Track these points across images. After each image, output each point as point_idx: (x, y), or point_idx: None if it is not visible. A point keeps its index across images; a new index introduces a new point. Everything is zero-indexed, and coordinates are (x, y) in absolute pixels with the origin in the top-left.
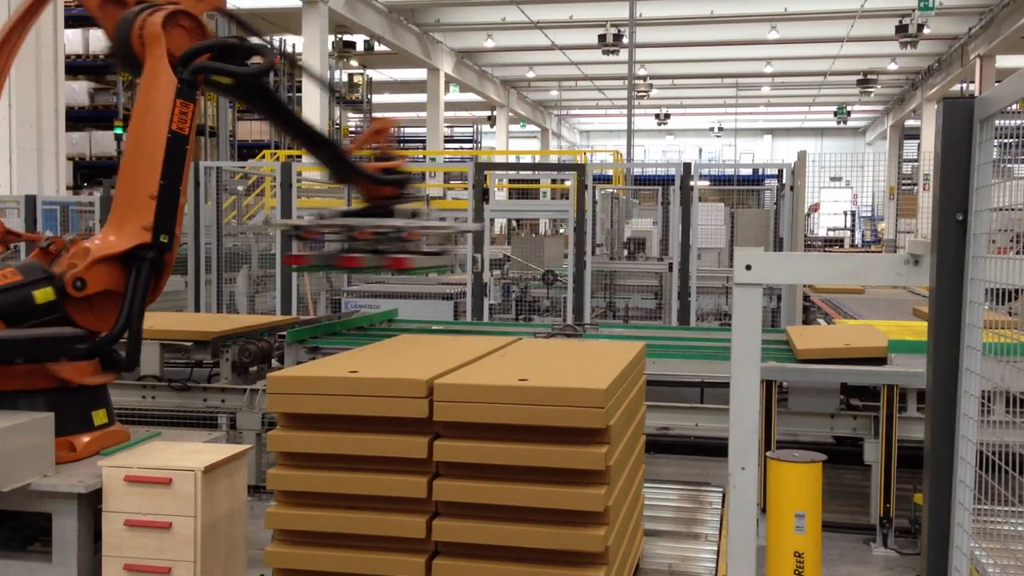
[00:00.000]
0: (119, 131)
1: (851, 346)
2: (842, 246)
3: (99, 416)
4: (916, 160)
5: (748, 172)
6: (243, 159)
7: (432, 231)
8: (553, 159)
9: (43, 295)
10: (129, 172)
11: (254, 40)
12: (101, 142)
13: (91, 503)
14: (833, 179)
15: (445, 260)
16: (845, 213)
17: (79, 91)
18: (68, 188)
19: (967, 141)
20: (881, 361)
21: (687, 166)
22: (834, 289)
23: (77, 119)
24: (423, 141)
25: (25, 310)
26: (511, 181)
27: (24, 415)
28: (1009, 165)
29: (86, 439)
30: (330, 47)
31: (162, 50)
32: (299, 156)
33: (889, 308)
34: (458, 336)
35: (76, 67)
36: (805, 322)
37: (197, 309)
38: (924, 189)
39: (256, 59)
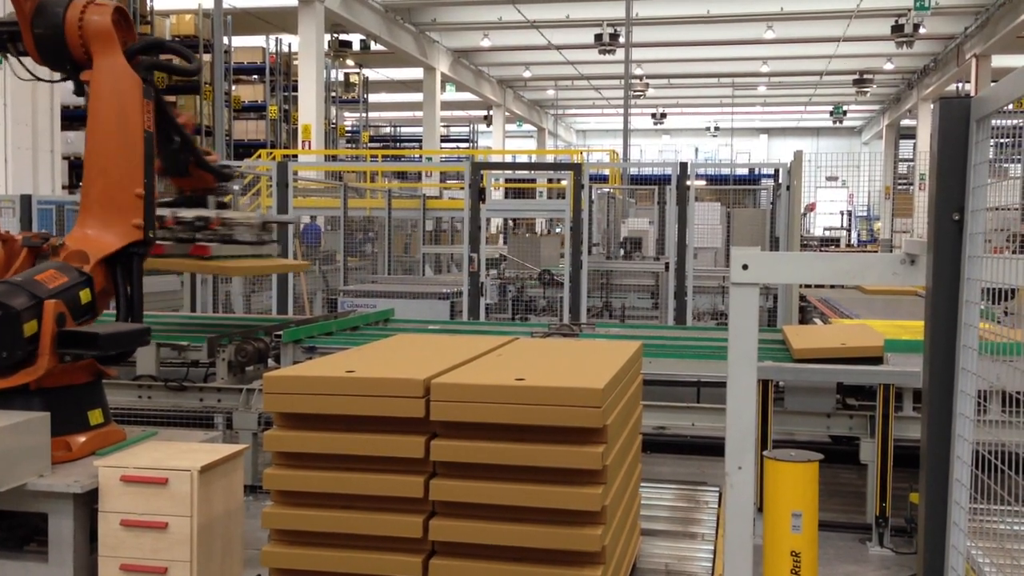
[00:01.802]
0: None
1: (847, 346)
2: (838, 246)
3: (95, 416)
4: (912, 160)
5: (744, 172)
6: (239, 158)
7: (239, 221)
8: (549, 159)
9: (86, 295)
10: (110, 171)
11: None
12: None
13: (87, 503)
14: (829, 179)
15: (260, 250)
16: (842, 213)
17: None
18: (64, 187)
19: (963, 141)
20: (877, 361)
21: (683, 166)
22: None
23: (72, 118)
24: (419, 140)
25: (77, 310)
26: (507, 180)
27: (20, 415)
28: (1005, 165)
29: (82, 439)
30: (326, 46)
31: (116, 48)
32: (295, 155)
33: (886, 307)
34: (454, 336)
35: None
36: (802, 321)
37: (193, 309)
38: (920, 189)
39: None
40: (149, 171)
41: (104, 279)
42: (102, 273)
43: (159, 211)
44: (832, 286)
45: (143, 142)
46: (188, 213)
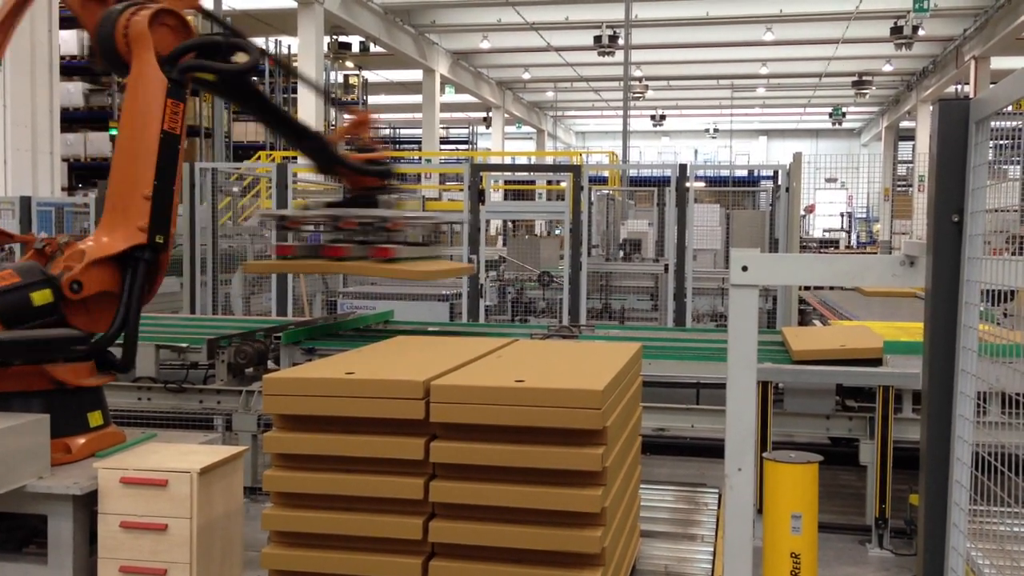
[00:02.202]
0: (114, 132)
1: (847, 347)
2: (837, 248)
3: (94, 418)
4: (911, 162)
5: (744, 173)
6: (238, 160)
7: (416, 221)
8: (549, 160)
9: (41, 297)
10: (122, 173)
11: (237, 38)
12: (96, 143)
13: (87, 505)
14: (828, 180)
15: (431, 251)
16: (842, 215)
17: (74, 92)
18: (63, 189)
19: (963, 142)
20: (877, 362)
21: (683, 167)
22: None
23: (72, 120)
24: (419, 142)
25: (23, 312)
26: (507, 182)
27: (20, 417)
28: (1004, 167)
29: (81, 441)
30: (325, 48)
31: (149, 50)
32: (294, 157)
33: (885, 309)
34: (454, 337)
35: (71, 68)
36: (801, 323)
37: (192, 311)
38: (919, 191)
39: (240, 56)
40: (166, 174)
41: (102, 281)
42: (99, 275)
43: (331, 211)
44: (831, 288)
45: (157, 143)
46: (365, 213)
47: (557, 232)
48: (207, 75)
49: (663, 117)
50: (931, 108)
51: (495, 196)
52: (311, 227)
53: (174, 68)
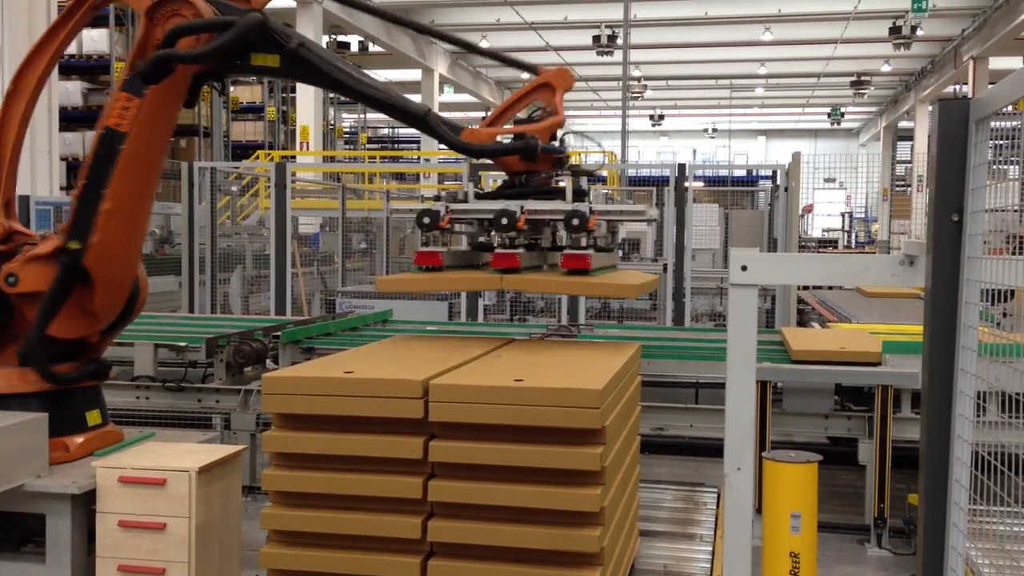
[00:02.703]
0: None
1: (846, 350)
2: (836, 247)
3: (93, 417)
4: (909, 161)
5: (742, 173)
6: (237, 159)
7: (619, 218)
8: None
9: None
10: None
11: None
12: None
13: (85, 504)
14: (827, 180)
15: (612, 258)
16: (842, 215)
17: (72, 91)
18: (61, 188)
19: (962, 142)
20: (875, 366)
21: (681, 167)
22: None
23: (70, 119)
24: (418, 141)
25: None
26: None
27: (18, 416)
28: (1003, 167)
29: (80, 440)
30: (324, 47)
31: (139, 39)
32: (293, 157)
33: (885, 310)
34: (453, 337)
35: (70, 67)
36: (800, 323)
37: (191, 310)
38: (917, 190)
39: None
40: (97, 174)
41: (40, 280)
42: (36, 273)
43: (508, 204)
44: (830, 288)
45: (99, 140)
46: (548, 206)
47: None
48: (269, 60)
49: (662, 117)
50: (930, 108)
51: None
52: (471, 226)
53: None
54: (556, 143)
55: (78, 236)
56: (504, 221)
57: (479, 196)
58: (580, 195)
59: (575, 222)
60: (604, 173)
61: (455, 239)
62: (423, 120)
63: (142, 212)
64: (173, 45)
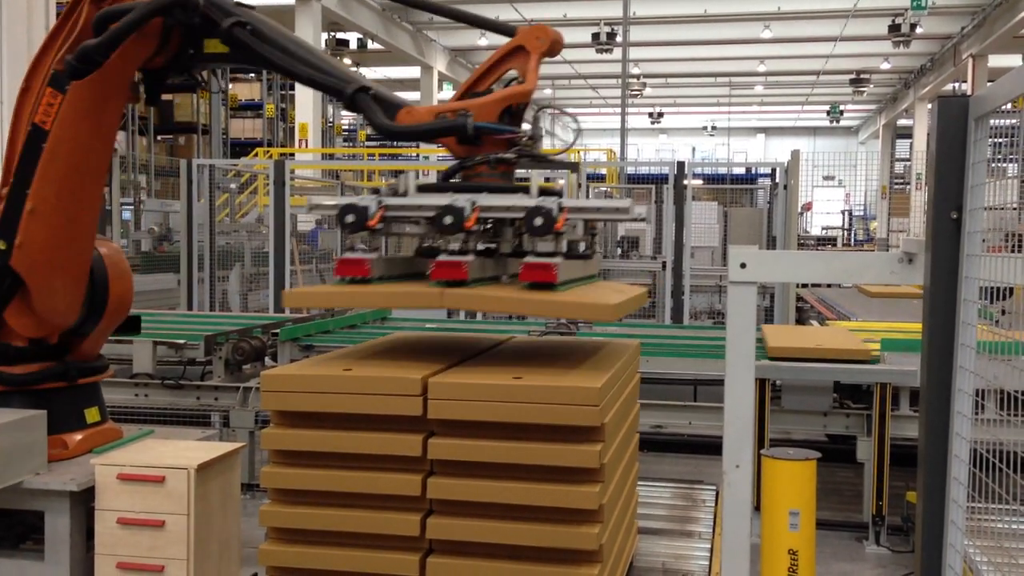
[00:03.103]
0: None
1: (822, 347)
2: (835, 245)
3: (91, 414)
4: (908, 159)
5: (741, 171)
6: (236, 157)
7: (597, 216)
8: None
9: None
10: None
11: None
12: None
13: (84, 501)
14: (826, 178)
15: (589, 268)
16: (842, 212)
17: None
18: None
19: (962, 139)
20: (861, 363)
21: (680, 165)
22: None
23: None
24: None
25: None
26: None
27: (16, 412)
28: (1002, 164)
29: (78, 437)
30: (323, 45)
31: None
32: (292, 154)
33: (884, 308)
34: (451, 334)
35: None
36: (798, 321)
37: (190, 307)
38: (916, 188)
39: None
40: (23, 173)
41: None
42: None
43: (456, 199)
44: (829, 285)
45: (24, 136)
46: (505, 201)
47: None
48: (217, 46)
49: (661, 115)
50: (929, 106)
51: None
52: (415, 225)
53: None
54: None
55: (3, 237)
56: (448, 220)
57: (423, 189)
58: (550, 192)
59: (538, 222)
60: (603, 171)
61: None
62: (351, 100)
63: (76, 215)
64: (102, 32)
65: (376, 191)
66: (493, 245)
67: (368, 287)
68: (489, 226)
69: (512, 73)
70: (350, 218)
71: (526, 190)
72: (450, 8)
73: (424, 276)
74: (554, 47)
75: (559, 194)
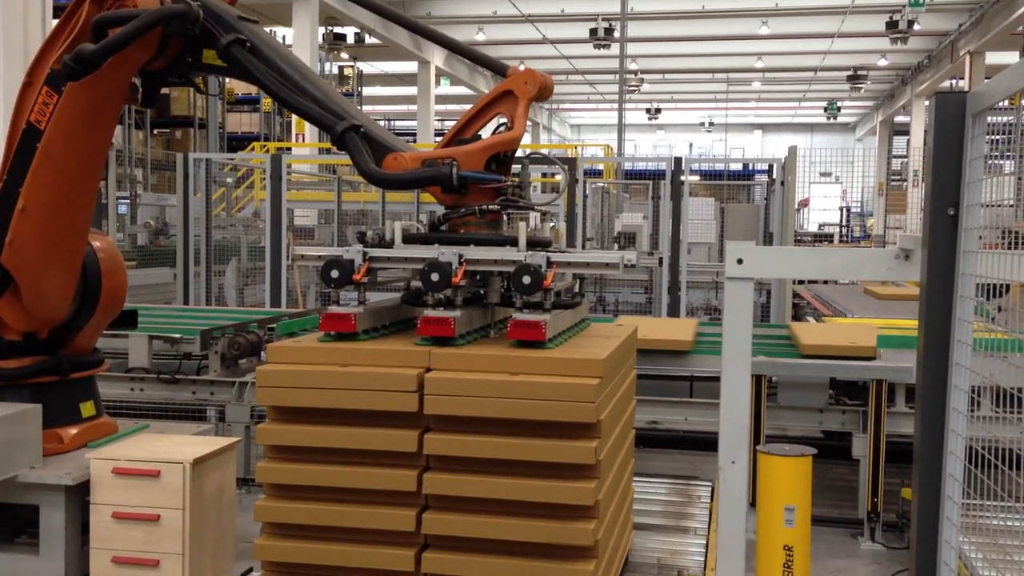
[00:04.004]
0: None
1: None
2: (832, 242)
3: (87, 408)
4: (905, 156)
5: (738, 167)
6: (232, 151)
7: (586, 271)
8: (544, 152)
9: None
10: None
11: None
12: None
13: (79, 495)
14: (823, 175)
15: (577, 315)
16: (840, 209)
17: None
18: None
19: (959, 135)
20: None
21: (678, 161)
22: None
23: None
24: (414, 134)
25: None
26: None
27: (11, 407)
28: (999, 162)
29: (74, 431)
30: (320, 39)
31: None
32: (289, 148)
33: (881, 306)
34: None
35: None
36: (795, 318)
37: (186, 302)
38: (913, 185)
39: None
40: (16, 171)
41: None
42: None
43: (443, 252)
44: (825, 282)
45: (20, 134)
46: (492, 255)
47: (552, 225)
48: (217, 60)
49: (658, 110)
50: (927, 103)
51: None
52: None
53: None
54: (515, 167)
55: None
56: (435, 277)
57: (409, 240)
58: (541, 243)
59: (527, 280)
60: (600, 167)
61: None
62: (340, 139)
63: (68, 215)
64: (100, 37)
65: (362, 236)
66: (481, 292)
67: (355, 344)
68: (477, 275)
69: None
70: (335, 273)
71: (514, 241)
72: (448, 41)
73: (411, 323)
74: (543, 93)
75: (547, 244)
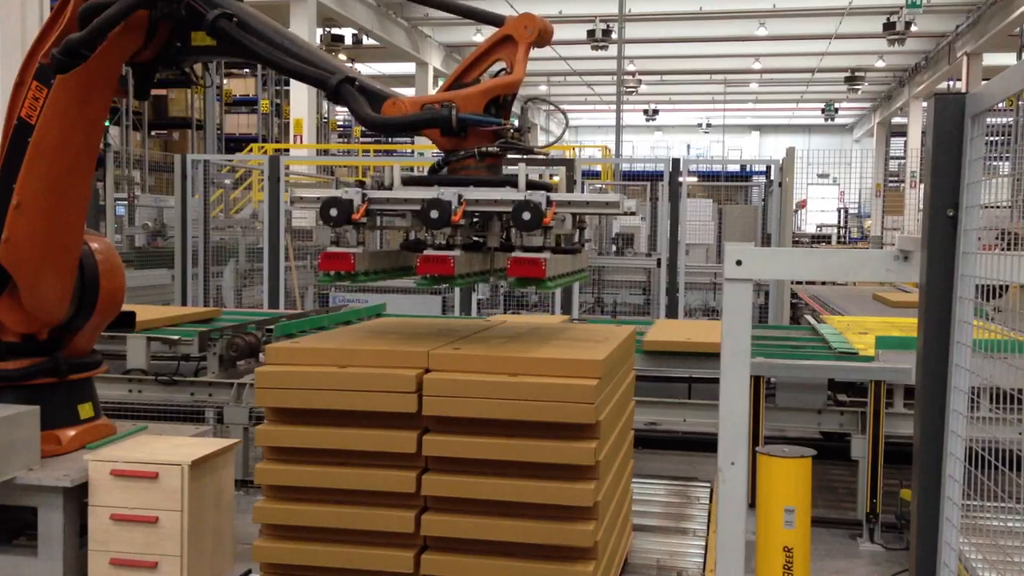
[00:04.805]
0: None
1: (691, 340)
2: (830, 243)
3: (85, 410)
4: (903, 158)
5: (736, 168)
6: (230, 152)
7: (586, 210)
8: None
9: None
10: None
11: None
12: None
13: (77, 497)
14: (820, 176)
15: (578, 263)
16: (838, 210)
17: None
18: None
19: (958, 137)
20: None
21: (675, 162)
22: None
23: None
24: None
25: None
26: None
27: (9, 408)
28: (996, 163)
29: (72, 433)
30: (318, 40)
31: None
32: (287, 150)
33: (879, 306)
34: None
35: None
36: (793, 319)
37: (184, 303)
38: (911, 186)
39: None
40: (8, 168)
41: None
42: None
43: (443, 192)
44: (823, 283)
45: (11, 130)
46: (492, 195)
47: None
48: (205, 39)
49: (656, 111)
50: (924, 104)
51: None
52: (402, 218)
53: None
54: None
55: None
56: (434, 214)
57: (408, 182)
58: (542, 186)
59: (526, 216)
60: (598, 168)
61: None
62: (336, 91)
63: (63, 210)
64: (86, 26)
65: (361, 184)
66: (480, 239)
67: (354, 344)
68: (476, 220)
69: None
70: (334, 212)
71: (515, 183)
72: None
73: (410, 270)
74: (543, 37)
75: (548, 188)
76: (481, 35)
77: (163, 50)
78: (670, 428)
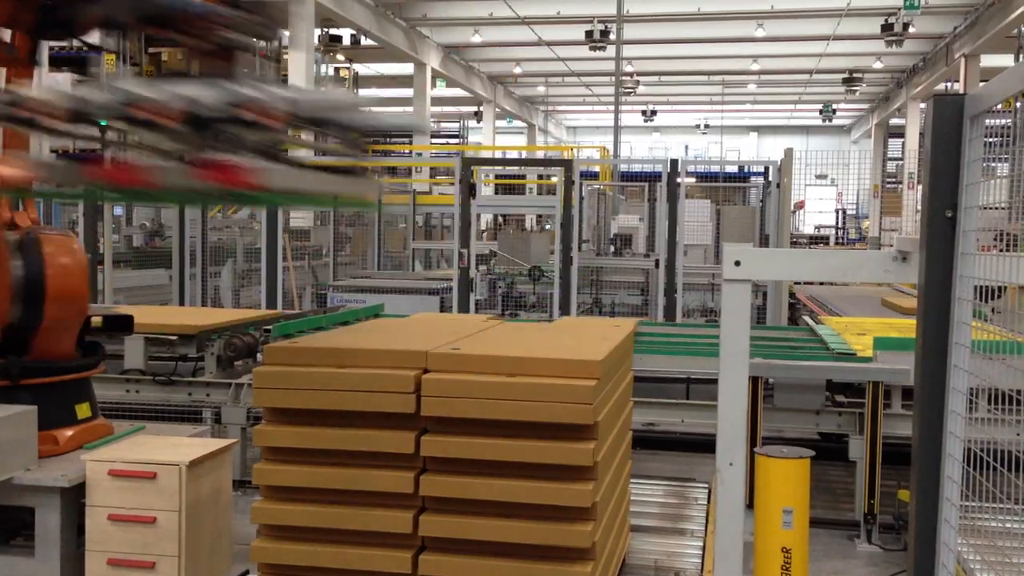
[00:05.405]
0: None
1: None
2: (827, 244)
3: (82, 410)
4: (900, 158)
5: (734, 169)
6: None
7: (325, 113)
8: (540, 155)
9: None
10: None
11: None
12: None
13: (74, 497)
14: (818, 177)
15: (359, 186)
16: (836, 211)
17: (62, 83)
18: None
19: (957, 138)
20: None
21: (674, 163)
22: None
23: None
24: (409, 136)
25: None
26: (497, 176)
27: (6, 408)
28: (993, 164)
29: (69, 433)
30: (316, 41)
31: None
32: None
33: (878, 306)
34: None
35: (59, 59)
36: (791, 319)
37: (181, 303)
38: (908, 187)
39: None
40: None
41: None
42: None
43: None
44: (821, 284)
45: None
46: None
47: (548, 227)
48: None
49: (654, 112)
50: (922, 105)
51: (486, 190)
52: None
53: None
54: None
55: None
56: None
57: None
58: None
59: (233, 113)
60: (596, 169)
61: None
62: None
63: None
64: None
65: None
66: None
67: (353, 345)
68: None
69: None
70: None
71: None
72: None
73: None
74: None
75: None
76: (479, 36)
77: (45, 13)
78: (668, 428)
